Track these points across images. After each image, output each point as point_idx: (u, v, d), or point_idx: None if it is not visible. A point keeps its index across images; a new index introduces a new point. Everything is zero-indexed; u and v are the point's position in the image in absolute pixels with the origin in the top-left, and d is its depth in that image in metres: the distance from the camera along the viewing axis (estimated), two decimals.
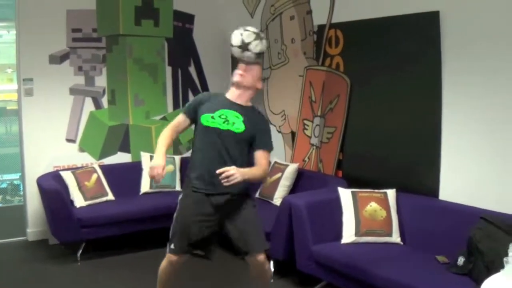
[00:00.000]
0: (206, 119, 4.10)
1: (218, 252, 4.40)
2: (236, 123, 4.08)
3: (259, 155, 4.13)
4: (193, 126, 4.28)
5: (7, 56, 14.46)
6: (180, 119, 4.26)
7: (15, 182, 14.82)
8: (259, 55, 4.18)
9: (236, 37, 4.13)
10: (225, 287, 5.32)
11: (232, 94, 4.19)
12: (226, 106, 4.14)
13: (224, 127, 4.07)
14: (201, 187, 4.12)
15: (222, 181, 3.76)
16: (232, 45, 4.16)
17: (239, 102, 4.17)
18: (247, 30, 4.14)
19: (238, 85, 4.16)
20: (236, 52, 4.15)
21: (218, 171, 3.77)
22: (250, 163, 4.16)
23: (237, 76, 4.14)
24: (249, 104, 4.25)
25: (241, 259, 4.24)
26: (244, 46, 4.09)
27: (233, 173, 3.74)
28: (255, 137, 4.13)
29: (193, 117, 4.21)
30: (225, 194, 4.07)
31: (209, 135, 4.10)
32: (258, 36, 4.14)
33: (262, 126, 4.23)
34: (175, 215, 4.22)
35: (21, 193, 13.79)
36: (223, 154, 4.06)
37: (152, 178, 3.95)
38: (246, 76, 4.13)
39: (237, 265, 5.44)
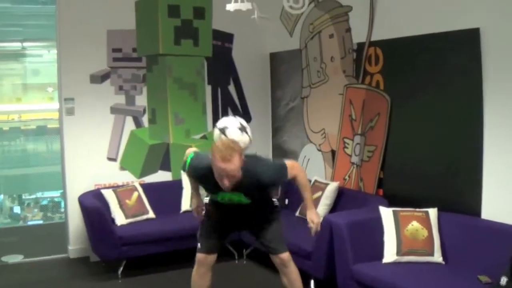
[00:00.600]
0: (213, 197, 4.33)
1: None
2: (242, 199, 4.22)
3: (291, 176, 4.27)
4: None
5: (48, 76, 14.75)
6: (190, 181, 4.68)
7: (56, 199, 15.04)
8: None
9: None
10: None
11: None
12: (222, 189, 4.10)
13: (232, 202, 4.25)
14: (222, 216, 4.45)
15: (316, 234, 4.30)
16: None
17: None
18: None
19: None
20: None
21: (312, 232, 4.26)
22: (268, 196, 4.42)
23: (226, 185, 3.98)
24: (240, 175, 4.01)
25: None
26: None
27: (317, 226, 4.27)
28: (272, 186, 4.30)
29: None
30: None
31: (222, 205, 4.33)
32: (222, 132, 4.34)
33: (268, 183, 4.18)
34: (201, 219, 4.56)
35: (62, 210, 14.03)
36: (244, 210, 4.33)
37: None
38: (233, 182, 3.96)
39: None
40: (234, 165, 3.85)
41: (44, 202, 15.61)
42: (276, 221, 4.44)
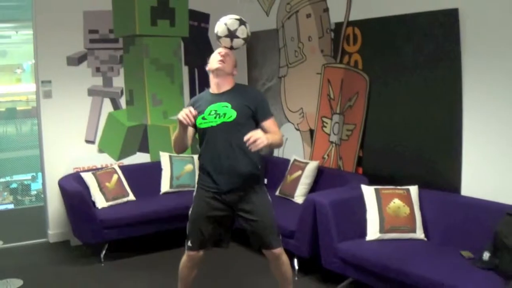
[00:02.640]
0: (200, 122, 4.16)
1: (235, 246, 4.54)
2: (227, 113, 4.11)
3: (268, 125, 4.19)
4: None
5: (16, 57, 14.52)
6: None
7: (25, 182, 14.88)
8: (246, 39, 4.24)
9: (221, 28, 4.17)
10: (245, 280, 5.39)
11: (213, 87, 4.23)
12: (213, 101, 4.17)
13: (217, 122, 4.11)
14: (211, 186, 4.20)
15: (250, 146, 3.81)
16: (219, 36, 4.19)
17: (222, 90, 4.20)
18: (230, 19, 4.20)
19: (218, 72, 4.17)
20: (225, 41, 4.18)
21: (245, 138, 3.80)
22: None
23: (217, 62, 4.15)
24: (232, 85, 4.26)
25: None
26: (232, 34, 4.15)
27: (259, 137, 3.80)
28: (255, 112, 4.18)
29: (193, 123, 4.21)
30: (235, 191, 4.16)
31: (208, 135, 4.17)
32: (241, 22, 4.20)
33: (256, 99, 4.25)
34: (189, 212, 4.32)
35: (32, 193, 13.86)
36: (228, 147, 4.12)
37: (182, 120, 4.00)
38: (226, 62, 4.17)
39: (254, 257, 5.60)
40: (232, 54, 4.23)
41: (14, 186, 15.41)
42: (268, 204, 4.29)
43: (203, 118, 4.14)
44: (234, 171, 4.13)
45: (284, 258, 4.34)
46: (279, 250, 4.27)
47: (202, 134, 4.21)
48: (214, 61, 4.18)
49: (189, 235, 4.29)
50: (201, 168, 4.29)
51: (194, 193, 4.34)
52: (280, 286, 4.53)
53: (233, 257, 5.92)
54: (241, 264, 5.83)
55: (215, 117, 4.12)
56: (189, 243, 4.29)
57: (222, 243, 4.42)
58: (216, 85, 4.22)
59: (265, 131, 4.10)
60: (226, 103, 4.14)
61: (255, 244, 4.32)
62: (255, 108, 4.18)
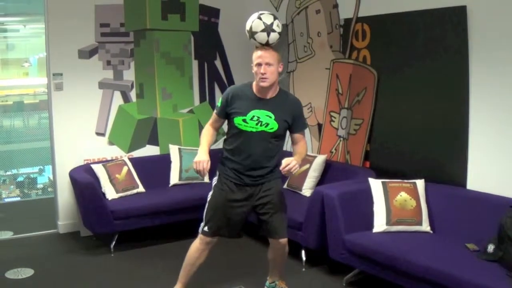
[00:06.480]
0: (239, 122, 4.23)
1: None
2: (269, 123, 4.21)
3: (298, 136, 4.38)
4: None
5: (23, 51, 14.57)
6: (214, 118, 4.42)
7: (32, 175, 14.93)
8: (280, 34, 4.22)
9: (255, 22, 4.18)
10: (240, 269, 5.49)
11: (258, 89, 4.24)
12: (257, 106, 4.22)
13: (257, 129, 4.21)
14: (236, 179, 4.33)
15: (285, 173, 4.05)
16: (253, 32, 4.19)
17: (267, 97, 4.25)
18: (264, 13, 4.24)
19: (263, 87, 4.19)
20: (261, 36, 4.16)
21: (282, 168, 4.00)
22: (281, 149, 4.40)
23: (260, 81, 4.14)
24: (277, 91, 4.31)
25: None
26: (268, 28, 4.14)
27: (294, 164, 4.00)
28: (292, 124, 4.30)
29: (225, 116, 4.33)
30: (259, 185, 4.34)
31: (244, 137, 4.26)
32: (274, 17, 4.24)
33: (295, 111, 4.35)
34: (209, 198, 4.42)
35: (38, 186, 13.88)
36: (260, 152, 4.26)
37: (198, 172, 4.14)
38: (269, 75, 4.13)
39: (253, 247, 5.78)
40: (272, 54, 4.15)
41: (20, 179, 15.47)
42: (283, 197, 4.47)
43: (244, 121, 4.22)
44: (258, 169, 4.30)
45: (287, 248, 4.56)
46: (286, 240, 4.47)
47: (237, 132, 4.28)
48: (257, 76, 4.15)
49: (208, 220, 4.37)
50: (226, 159, 4.37)
51: (215, 182, 4.42)
52: (277, 269, 4.73)
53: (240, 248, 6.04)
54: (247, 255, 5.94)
55: (256, 124, 4.21)
56: (206, 228, 4.37)
57: (239, 233, 4.54)
58: (261, 89, 4.22)
59: (293, 139, 4.38)
60: (269, 113, 4.22)
61: (265, 233, 4.46)
62: (292, 122, 4.31)
